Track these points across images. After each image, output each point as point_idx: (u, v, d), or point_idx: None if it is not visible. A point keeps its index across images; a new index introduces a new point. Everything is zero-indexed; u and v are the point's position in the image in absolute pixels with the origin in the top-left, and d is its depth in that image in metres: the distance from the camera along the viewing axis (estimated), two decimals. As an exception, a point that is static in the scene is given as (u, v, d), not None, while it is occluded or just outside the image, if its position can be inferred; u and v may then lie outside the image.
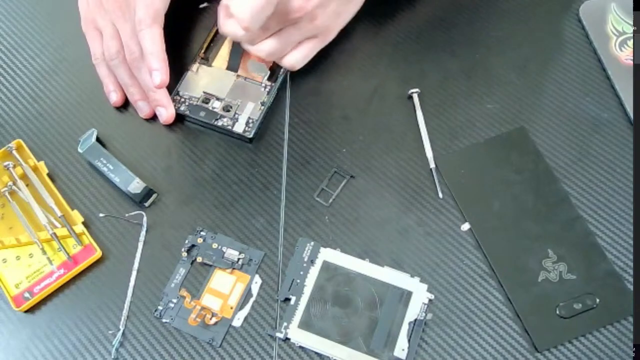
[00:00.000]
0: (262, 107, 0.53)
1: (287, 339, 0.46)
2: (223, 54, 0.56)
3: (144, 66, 0.52)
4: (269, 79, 0.54)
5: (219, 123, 0.53)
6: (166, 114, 0.53)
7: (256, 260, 0.49)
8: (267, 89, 0.54)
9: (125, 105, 0.56)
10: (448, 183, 0.51)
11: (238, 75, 0.55)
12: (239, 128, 0.53)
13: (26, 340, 0.48)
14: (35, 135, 0.55)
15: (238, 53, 0.55)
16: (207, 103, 0.54)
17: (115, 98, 0.55)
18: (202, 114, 0.53)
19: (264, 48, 0.49)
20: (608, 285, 0.46)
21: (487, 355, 0.45)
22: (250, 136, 0.52)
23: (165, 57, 0.51)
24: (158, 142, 0.54)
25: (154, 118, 0.55)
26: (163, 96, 0.53)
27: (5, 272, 0.50)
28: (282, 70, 0.54)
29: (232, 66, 0.55)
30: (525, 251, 0.48)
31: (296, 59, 0.51)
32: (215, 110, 0.54)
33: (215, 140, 0.54)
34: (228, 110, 0.53)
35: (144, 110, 0.55)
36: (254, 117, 0.53)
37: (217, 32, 0.57)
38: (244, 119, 0.53)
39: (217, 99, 0.54)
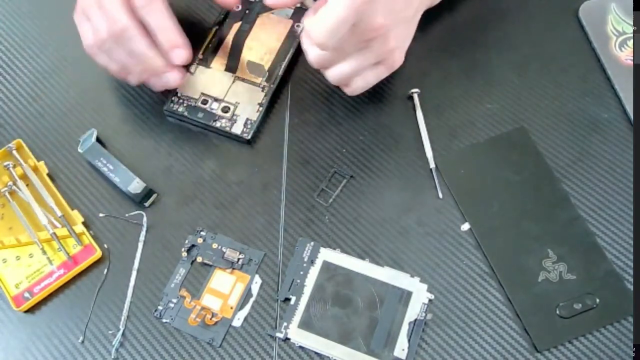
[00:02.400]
0: (261, 109, 0.53)
1: (287, 339, 0.46)
2: (221, 55, 0.56)
3: (136, 38, 0.47)
4: (267, 80, 0.54)
5: (217, 124, 0.53)
6: (184, 54, 0.49)
7: (256, 260, 0.49)
8: (265, 90, 0.54)
9: (125, 105, 0.56)
10: (448, 183, 0.51)
11: (236, 77, 0.55)
12: (237, 129, 0.53)
13: (26, 340, 0.48)
14: (35, 135, 0.55)
15: (237, 54, 0.55)
16: (205, 104, 0.54)
17: (134, 80, 0.51)
18: (201, 115, 0.53)
19: (337, 73, 0.48)
20: (608, 285, 0.46)
21: (487, 355, 0.45)
22: (248, 137, 0.52)
23: (180, 29, 0.48)
24: (158, 142, 0.54)
25: (154, 118, 0.55)
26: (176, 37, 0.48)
27: (5, 272, 0.50)
28: (280, 71, 0.54)
29: (231, 67, 0.55)
30: (525, 251, 0.48)
31: (361, 86, 0.49)
32: (213, 111, 0.53)
33: (215, 140, 0.54)
34: (226, 112, 0.53)
35: (156, 86, 0.51)
36: (252, 119, 0.53)
37: (215, 33, 0.57)
38: (242, 120, 0.53)
39: (216, 100, 0.54)
